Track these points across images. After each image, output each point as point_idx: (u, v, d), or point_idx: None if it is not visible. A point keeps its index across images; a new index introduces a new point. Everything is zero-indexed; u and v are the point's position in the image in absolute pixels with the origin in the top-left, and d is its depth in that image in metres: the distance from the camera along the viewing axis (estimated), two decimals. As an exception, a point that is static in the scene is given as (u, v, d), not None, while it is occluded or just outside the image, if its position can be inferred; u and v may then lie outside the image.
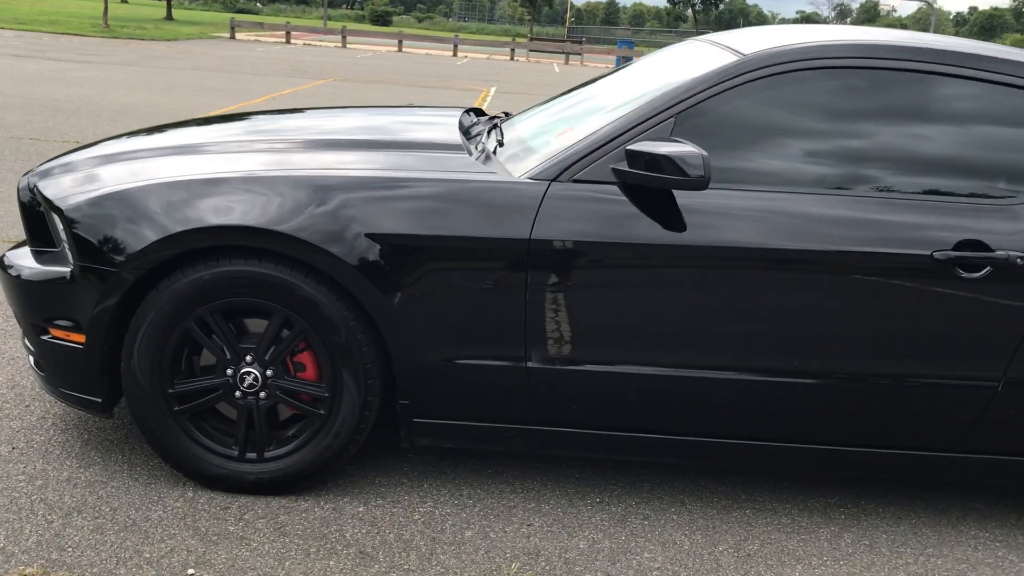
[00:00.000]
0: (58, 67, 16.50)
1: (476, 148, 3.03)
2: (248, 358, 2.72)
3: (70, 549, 2.46)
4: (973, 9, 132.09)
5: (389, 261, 2.60)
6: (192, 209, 2.62)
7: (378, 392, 2.76)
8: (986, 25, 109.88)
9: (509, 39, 34.17)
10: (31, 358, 3.00)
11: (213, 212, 2.61)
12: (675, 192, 2.62)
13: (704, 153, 2.46)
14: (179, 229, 2.59)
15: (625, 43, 35.32)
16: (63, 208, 2.73)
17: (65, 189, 2.83)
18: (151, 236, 2.60)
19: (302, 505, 2.78)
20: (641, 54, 36.12)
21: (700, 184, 2.47)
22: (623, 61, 33.17)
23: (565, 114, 3.22)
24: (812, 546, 2.79)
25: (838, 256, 2.59)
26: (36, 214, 2.98)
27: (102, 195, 2.71)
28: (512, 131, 3.25)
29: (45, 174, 3.01)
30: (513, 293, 2.62)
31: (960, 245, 2.61)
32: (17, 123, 9.59)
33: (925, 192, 2.69)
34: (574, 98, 3.50)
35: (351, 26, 33.54)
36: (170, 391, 2.73)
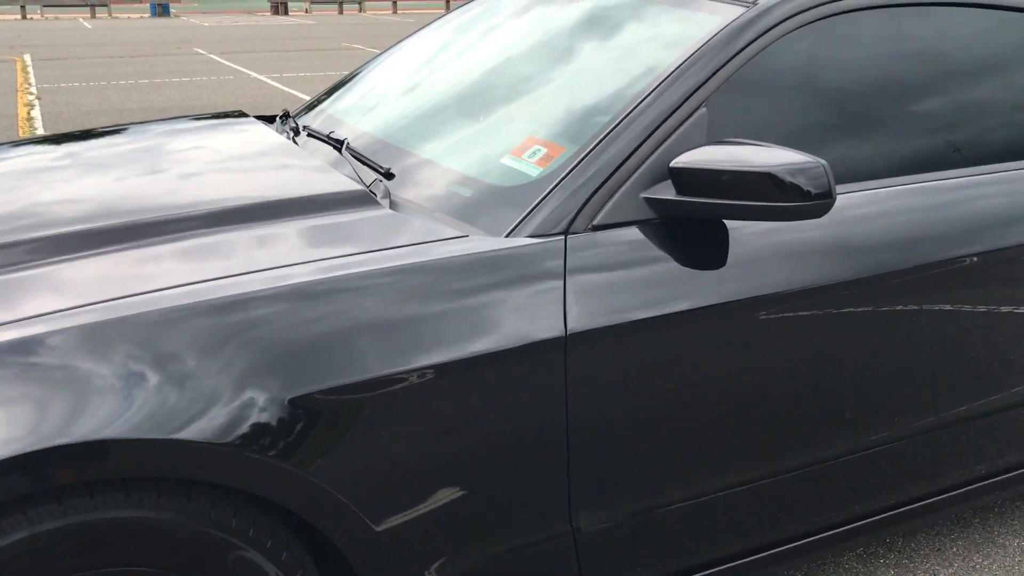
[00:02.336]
0: None
1: (379, 192, 1.85)
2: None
3: None
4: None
5: (338, 432, 1.45)
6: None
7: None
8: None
9: (15, -6, 29.46)
10: None
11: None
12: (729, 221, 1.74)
13: (823, 161, 1.60)
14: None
15: (158, -11, 31.88)
16: None
17: None
18: None
19: None
20: (178, 1, 32.86)
21: (823, 208, 1.61)
22: (159, 10, 30.02)
23: (452, 105, 2.14)
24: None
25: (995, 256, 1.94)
26: None
27: None
28: (374, 147, 2.08)
29: None
30: (547, 429, 1.60)
31: None
32: None
33: None
34: (412, 75, 2.42)
35: None
36: None
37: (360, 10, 32.06)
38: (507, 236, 1.63)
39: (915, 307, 1.87)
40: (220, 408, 1.36)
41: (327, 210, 1.74)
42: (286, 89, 11.27)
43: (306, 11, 31.92)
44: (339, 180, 1.89)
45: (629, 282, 1.63)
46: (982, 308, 1.96)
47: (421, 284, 1.53)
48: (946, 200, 1.95)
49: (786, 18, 1.85)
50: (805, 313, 1.77)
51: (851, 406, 1.89)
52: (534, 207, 1.66)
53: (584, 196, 1.66)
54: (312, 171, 1.97)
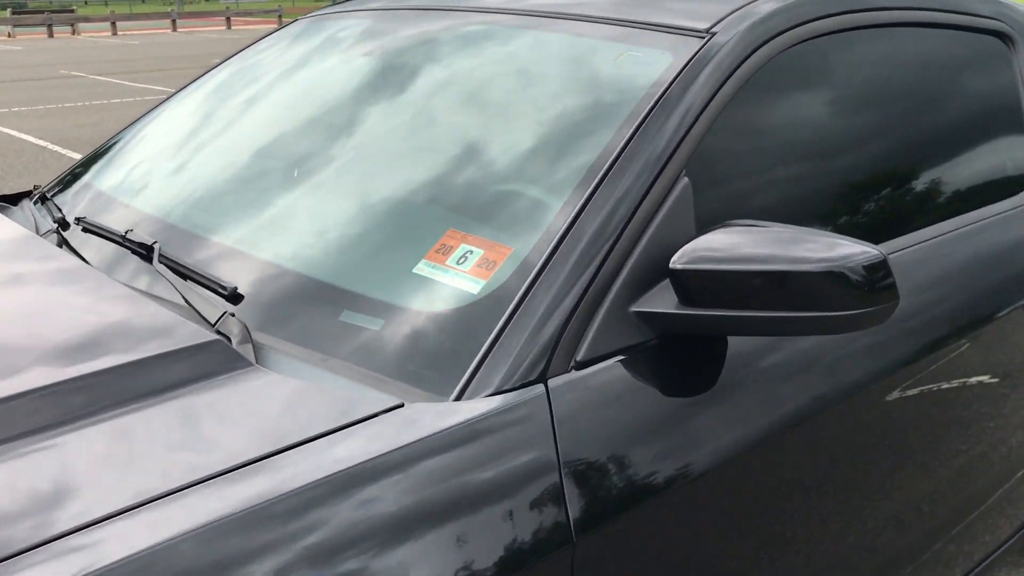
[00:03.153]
0: None
1: (235, 335, 1.21)
2: None
3: None
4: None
5: None
6: None
7: None
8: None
9: None
10: None
11: None
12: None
13: (880, 249, 1.16)
14: None
15: None
16: None
17: None
18: None
19: None
20: None
21: (887, 312, 1.17)
22: None
23: (305, 178, 1.51)
24: None
25: None
26: None
27: None
28: (192, 249, 1.43)
29: None
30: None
31: None
32: None
33: None
34: (226, 133, 1.74)
35: None
36: None
37: (74, 32, 29.25)
38: (458, 398, 1.07)
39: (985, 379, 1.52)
40: None
41: (161, 389, 1.06)
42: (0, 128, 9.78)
43: (9, 35, 28.68)
44: (162, 319, 1.22)
45: (637, 439, 1.12)
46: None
47: (356, 506, 0.94)
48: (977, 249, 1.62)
49: (755, 47, 1.40)
50: (858, 422, 1.35)
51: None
52: (491, 346, 1.11)
53: (559, 321, 1.13)
54: (110, 302, 1.28)
